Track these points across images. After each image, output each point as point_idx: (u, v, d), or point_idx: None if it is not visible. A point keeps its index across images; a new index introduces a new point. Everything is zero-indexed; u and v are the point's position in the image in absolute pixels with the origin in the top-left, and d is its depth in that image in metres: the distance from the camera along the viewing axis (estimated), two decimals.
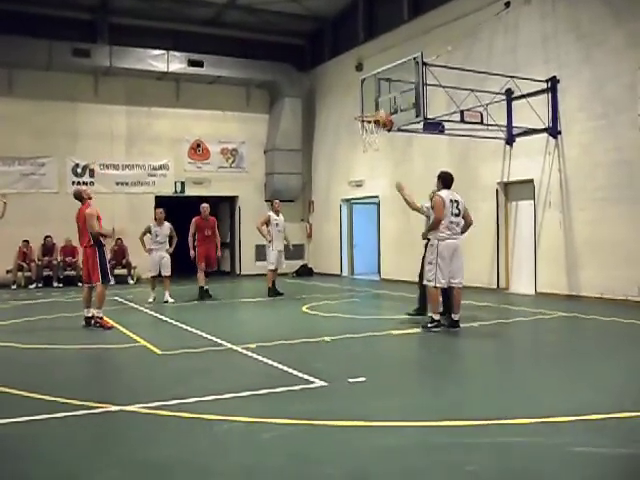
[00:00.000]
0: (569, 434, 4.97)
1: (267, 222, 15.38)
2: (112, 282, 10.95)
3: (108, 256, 18.79)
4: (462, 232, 10.11)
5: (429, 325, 9.87)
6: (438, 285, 9.85)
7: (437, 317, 9.91)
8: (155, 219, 14.64)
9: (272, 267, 15.44)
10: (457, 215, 9.95)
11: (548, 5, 14.49)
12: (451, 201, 9.92)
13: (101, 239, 10.64)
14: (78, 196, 10.97)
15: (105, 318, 10.75)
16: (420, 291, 11.22)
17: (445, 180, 10.20)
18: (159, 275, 14.40)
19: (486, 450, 4.66)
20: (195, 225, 14.97)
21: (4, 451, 4.83)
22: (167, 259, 14.39)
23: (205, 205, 15.30)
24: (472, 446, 4.72)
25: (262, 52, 23.03)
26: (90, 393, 6.46)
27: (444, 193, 9.99)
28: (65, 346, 9.15)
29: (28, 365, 8.06)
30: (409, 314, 11.28)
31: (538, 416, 5.31)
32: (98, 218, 10.64)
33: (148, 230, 14.44)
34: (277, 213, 15.52)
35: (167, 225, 14.47)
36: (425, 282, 10.09)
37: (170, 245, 14.48)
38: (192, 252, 14.82)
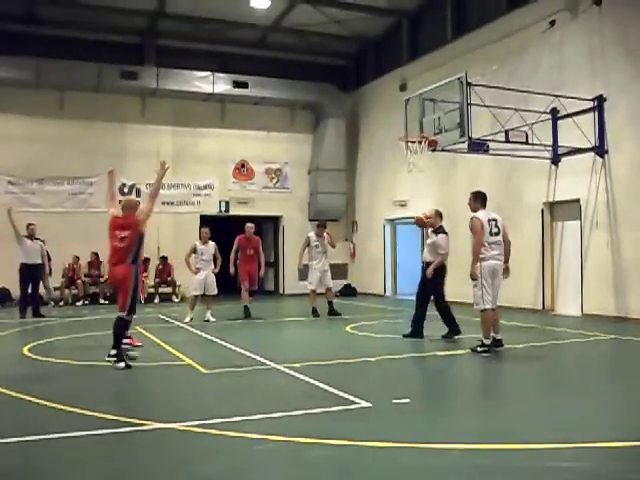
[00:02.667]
0: (623, 461, 4.84)
1: (307, 244, 15.49)
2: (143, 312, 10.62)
3: (148, 275, 18.88)
4: (506, 254, 9.87)
5: (479, 349, 9.66)
6: (487, 307, 9.62)
7: (488, 342, 9.66)
8: (200, 238, 14.76)
9: (312, 287, 15.44)
10: (497, 234, 9.71)
11: (595, 21, 14.33)
12: (489, 220, 9.71)
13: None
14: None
15: (133, 338, 10.49)
16: (444, 316, 11.16)
17: (482, 199, 9.97)
18: (203, 294, 14.49)
19: (537, 475, 4.56)
20: (238, 244, 15.17)
21: (47, 466, 4.88)
22: (213, 278, 14.44)
23: (250, 225, 15.40)
24: (523, 470, 4.63)
25: (306, 73, 23.22)
26: (134, 410, 6.53)
27: (481, 214, 9.77)
28: (110, 363, 9.22)
29: (73, 381, 8.17)
30: (443, 336, 11.13)
31: (590, 441, 5.21)
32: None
33: (194, 250, 14.44)
34: (318, 235, 15.53)
35: (212, 244, 14.54)
36: (474, 306, 9.89)
37: (215, 265, 14.56)
38: (232, 268, 15.00)
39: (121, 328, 8.88)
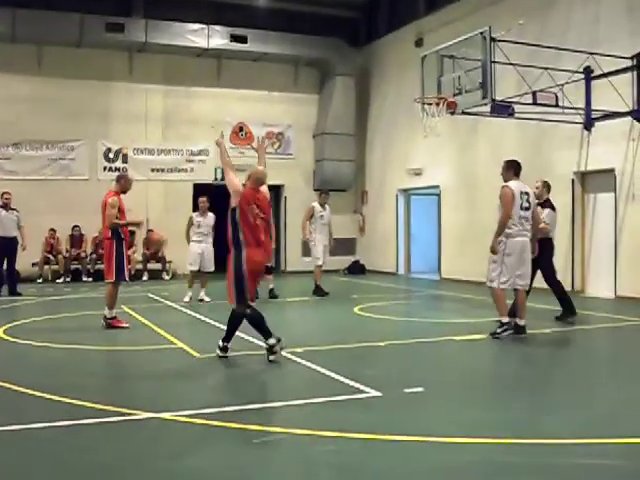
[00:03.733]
0: None
1: (311, 215, 15.56)
2: (127, 280, 11.10)
3: (136, 249, 18.92)
4: (534, 231, 9.92)
5: (498, 330, 9.70)
6: (501, 286, 9.70)
7: (506, 319, 9.72)
8: (198, 209, 14.71)
9: (319, 262, 15.55)
10: (527, 209, 9.77)
11: None
12: (521, 193, 9.74)
13: (120, 232, 10.74)
14: (118, 179, 11.27)
15: (119, 319, 10.88)
16: (557, 294, 11.25)
17: (515, 168, 10.02)
18: (199, 270, 14.37)
19: (568, 473, 4.57)
20: None
21: (28, 457, 4.90)
22: (211, 254, 14.44)
23: None
24: (551, 468, 4.65)
25: (312, 26, 23.05)
26: (121, 398, 6.57)
27: (514, 184, 9.80)
28: (93, 347, 9.29)
29: (54, 367, 8.22)
30: (557, 318, 11.27)
31: (621, 436, 5.22)
32: (120, 210, 10.75)
33: (191, 222, 14.47)
34: (323, 205, 15.68)
35: (211, 215, 14.53)
36: (487, 283, 9.96)
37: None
38: None
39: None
